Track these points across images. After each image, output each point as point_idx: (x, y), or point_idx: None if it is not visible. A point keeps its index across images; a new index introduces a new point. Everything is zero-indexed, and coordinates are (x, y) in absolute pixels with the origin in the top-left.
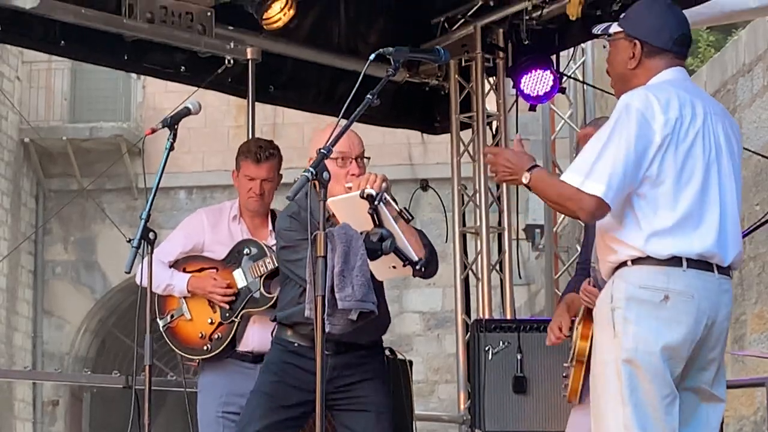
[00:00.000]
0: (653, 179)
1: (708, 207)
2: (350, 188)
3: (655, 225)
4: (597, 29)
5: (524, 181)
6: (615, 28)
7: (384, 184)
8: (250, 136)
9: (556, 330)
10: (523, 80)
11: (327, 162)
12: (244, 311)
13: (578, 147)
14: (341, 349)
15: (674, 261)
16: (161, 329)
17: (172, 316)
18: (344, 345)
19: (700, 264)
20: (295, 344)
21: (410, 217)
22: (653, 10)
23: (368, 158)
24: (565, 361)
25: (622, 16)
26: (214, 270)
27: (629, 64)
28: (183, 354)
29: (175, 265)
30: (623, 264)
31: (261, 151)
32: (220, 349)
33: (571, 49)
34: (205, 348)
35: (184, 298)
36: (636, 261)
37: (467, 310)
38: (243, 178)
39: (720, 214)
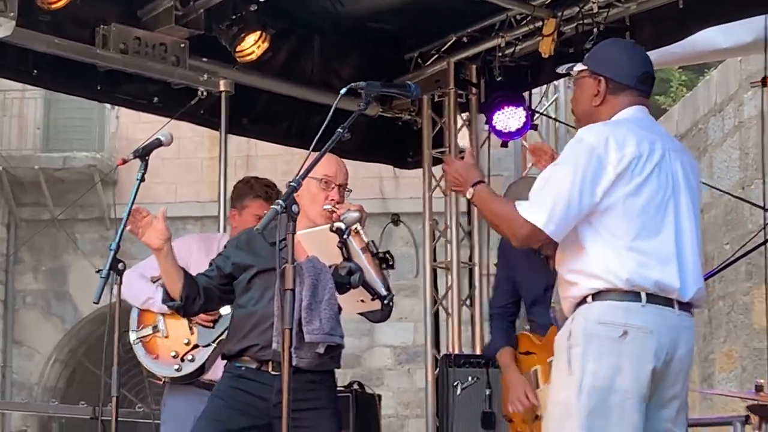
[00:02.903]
0: (605, 212)
1: (664, 242)
2: (328, 210)
3: (611, 256)
4: (561, 68)
5: (468, 195)
6: (579, 66)
7: (358, 214)
8: (223, 168)
9: (524, 398)
10: (495, 116)
11: (309, 182)
12: (222, 337)
13: None
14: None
15: (633, 296)
16: (132, 341)
17: (147, 332)
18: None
19: (660, 299)
20: (242, 368)
21: (376, 251)
22: (617, 48)
23: (350, 190)
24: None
25: (586, 56)
26: None
27: (594, 101)
28: (150, 370)
29: (158, 282)
30: (584, 300)
31: (270, 190)
32: (190, 371)
33: (544, 87)
34: (175, 367)
35: (163, 314)
36: (596, 296)
37: (437, 345)
38: (250, 216)
39: (677, 250)
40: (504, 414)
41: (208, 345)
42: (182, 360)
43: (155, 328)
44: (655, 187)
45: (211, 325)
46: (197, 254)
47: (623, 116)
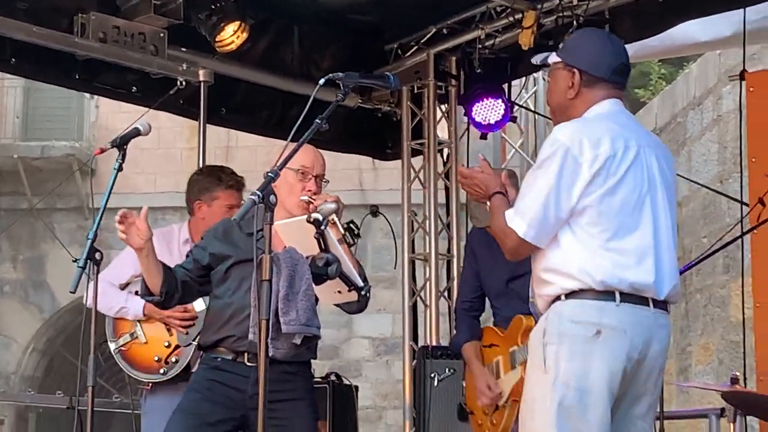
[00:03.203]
0: (582, 212)
1: (641, 240)
2: (305, 201)
3: (586, 256)
4: (536, 59)
5: (487, 209)
6: (554, 58)
7: (335, 205)
8: (202, 158)
9: (487, 390)
10: (474, 108)
11: (286, 173)
12: None
13: None
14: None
15: (607, 295)
16: (113, 352)
17: (125, 339)
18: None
19: (634, 298)
20: (218, 359)
21: (353, 242)
22: (592, 39)
23: (327, 181)
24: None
25: (560, 46)
26: None
27: (568, 93)
28: (136, 377)
29: (128, 288)
30: (558, 298)
31: (238, 177)
32: (176, 373)
33: (523, 79)
34: (161, 371)
35: (139, 321)
36: (570, 295)
37: (415, 337)
38: (220, 207)
39: (654, 247)
40: (466, 405)
41: (189, 344)
42: (166, 363)
43: (133, 335)
44: (632, 185)
45: (185, 332)
46: (158, 247)
47: (598, 111)
